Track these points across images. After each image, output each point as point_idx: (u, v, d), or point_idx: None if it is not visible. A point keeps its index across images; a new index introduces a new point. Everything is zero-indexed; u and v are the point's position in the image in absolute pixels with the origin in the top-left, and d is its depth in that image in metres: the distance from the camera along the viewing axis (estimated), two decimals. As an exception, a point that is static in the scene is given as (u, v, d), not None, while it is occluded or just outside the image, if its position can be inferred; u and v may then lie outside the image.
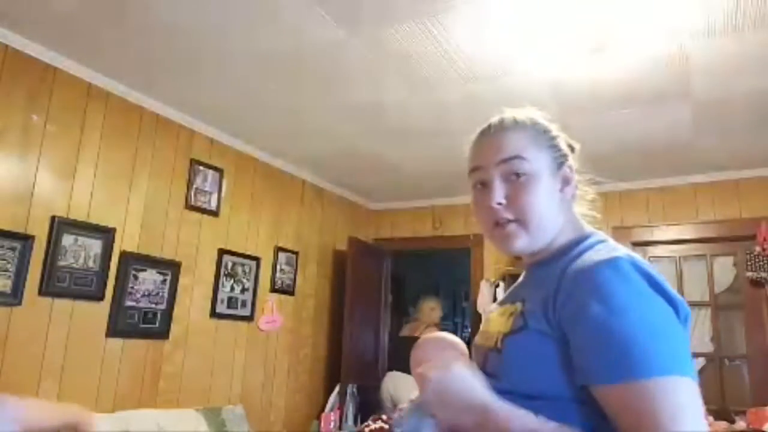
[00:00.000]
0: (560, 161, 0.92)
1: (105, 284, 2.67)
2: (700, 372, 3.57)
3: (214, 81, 2.70)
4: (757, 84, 2.49)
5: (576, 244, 0.87)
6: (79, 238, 2.58)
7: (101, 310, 2.67)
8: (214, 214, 3.29)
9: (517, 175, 0.88)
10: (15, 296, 2.34)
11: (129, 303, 2.77)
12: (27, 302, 2.38)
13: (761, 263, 3.32)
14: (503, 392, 0.78)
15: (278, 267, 3.72)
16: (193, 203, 3.15)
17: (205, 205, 3.23)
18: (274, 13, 2.12)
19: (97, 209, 2.68)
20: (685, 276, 3.71)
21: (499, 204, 0.87)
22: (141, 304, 2.82)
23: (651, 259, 3.80)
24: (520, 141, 0.90)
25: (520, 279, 0.97)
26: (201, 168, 3.22)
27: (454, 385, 0.78)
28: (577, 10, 2.03)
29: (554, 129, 0.95)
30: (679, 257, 3.73)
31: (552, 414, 0.74)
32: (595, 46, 2.25)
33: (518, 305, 0.85)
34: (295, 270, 3.88)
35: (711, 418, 3.19)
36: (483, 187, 0.91)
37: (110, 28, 2.29)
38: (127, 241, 2.80)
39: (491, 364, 0.85)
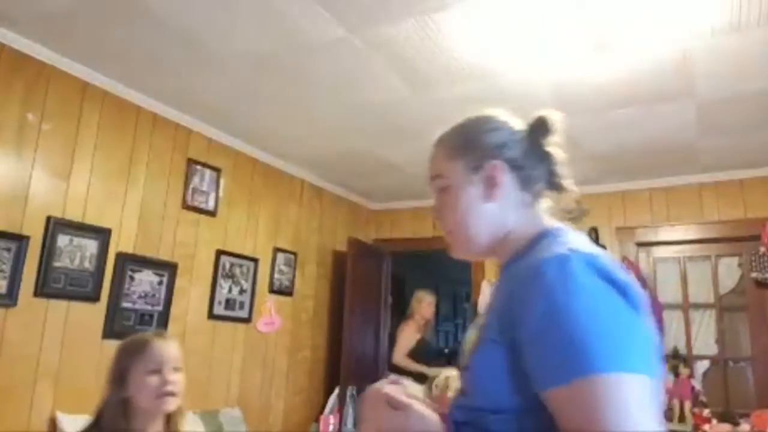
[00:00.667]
0: (477, 163, 0.88)
1: (101, 285, 2.64)
2: (705, 374, 3.53)
3: (212, 79, 2.67)
4: (761, 83, 2.46)
5: (531, 244, 0.83)
6: (75, 238, 2.55)
7: (97, 312, 2.63)
8: (212, 214, 3.26)
9: (441, 190, 0.91)
10: (10, 297, 2.31)
11: (125, 304, 2.73)
12: (22, 303, 2.35)
13: (766, 264, 3.28)
14: (474, 409, 0.76)
15: (277, 268, 3.69)
16: (190, 203, 3.12)
17: (202, 205, 3.20)
18: (273, 11, 2.09)
19: (92, 209, 2.64)
20: (690, 277, 3.67)
21: (436, 217, 0.94)
22: (137, 306, 2.79)
23: (655, 260, 3.77)
24: (438, 158, 0.93)
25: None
26: (198, 167, 3.19)
27: (411, 429, 0.76)
28: (579, 9, 1.99)
29: (490, 125, 0.91)
30: (684, 258, 3.69)
31: (519, 427, 0.72)
32: (597, 45, 2.22)
33: (484, 318, 0.83)
34: (294, 271, 3.85)
35: (715, 421, 3.16)
36: None
37: (107, 27, 2.26)
38: (123, 242, 2.77)
39: (464, 382, 0.84)
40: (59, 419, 2.37)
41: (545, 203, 0.91)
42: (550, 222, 0.88)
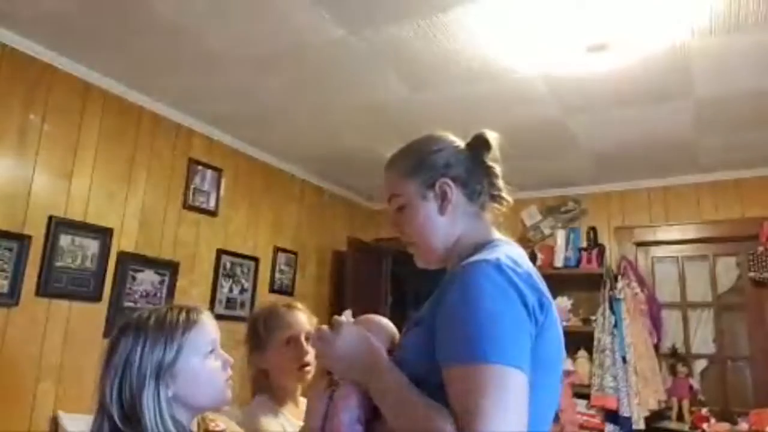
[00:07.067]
0: (430, 182, 0.98)
1: (102, 285, 2.65)
2: (703, 373, 3.55)
3: (213, 80, 2.68)
4: (760, 82, 2.46)
5: (474, 252, 0.92)
6: (77, 238, 2.56)
7: (98, 311, 2.64)
8: (213, 214, 3.27)
9: (399, 208, 1.01)
10: (12, 297, 2.32)
11: (127, 304, 2.74)
12: (24, 303, 2.36)
13: (764, 263, 3.29)
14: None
15: (277, 267, 3.70)
16: (191, 203, 3.13)
17: (203, 205, 3.21)
18: (274, 12, 2.10)
19: (94, 209, 2.65)
20: (688, 276, 3.68)
21: (397, 232, 1.04)
22: (139, 305, 2.80)
23: (653, 259, 3.78)
24: (392, 179, 1.04)
25: None
26: (199, 167, 3.20)
27: (346, 344, 0.91)
28: (578, 9, 2.01)
29: (437, 146, 1.02)
30: (682, 257, 3.71)
31: (437, 400, 0.81)
32: (596, 45, 2.23)
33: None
34: (295, 270, 3.86)
35: (713, 420, 3.17)
36: None
37: (109, 27, 2.27)
38: (124, 242, 2.78)
39: (395, 358, 0.95)
40: (61, 419, 2.38)
41: (490, 215, 1.02)
42: (493, 234, 1.00)
